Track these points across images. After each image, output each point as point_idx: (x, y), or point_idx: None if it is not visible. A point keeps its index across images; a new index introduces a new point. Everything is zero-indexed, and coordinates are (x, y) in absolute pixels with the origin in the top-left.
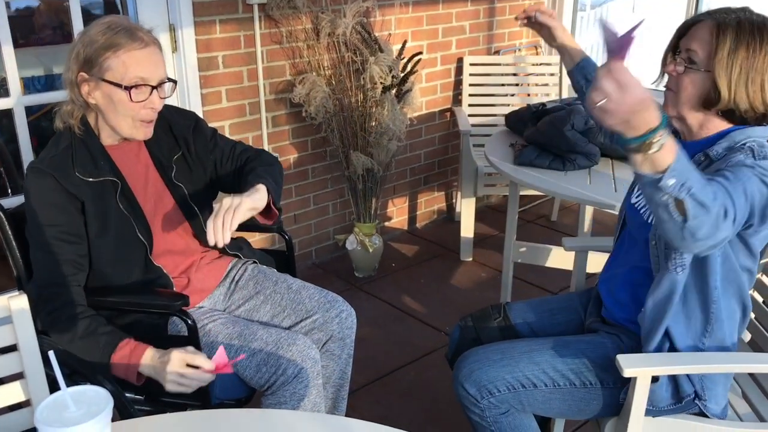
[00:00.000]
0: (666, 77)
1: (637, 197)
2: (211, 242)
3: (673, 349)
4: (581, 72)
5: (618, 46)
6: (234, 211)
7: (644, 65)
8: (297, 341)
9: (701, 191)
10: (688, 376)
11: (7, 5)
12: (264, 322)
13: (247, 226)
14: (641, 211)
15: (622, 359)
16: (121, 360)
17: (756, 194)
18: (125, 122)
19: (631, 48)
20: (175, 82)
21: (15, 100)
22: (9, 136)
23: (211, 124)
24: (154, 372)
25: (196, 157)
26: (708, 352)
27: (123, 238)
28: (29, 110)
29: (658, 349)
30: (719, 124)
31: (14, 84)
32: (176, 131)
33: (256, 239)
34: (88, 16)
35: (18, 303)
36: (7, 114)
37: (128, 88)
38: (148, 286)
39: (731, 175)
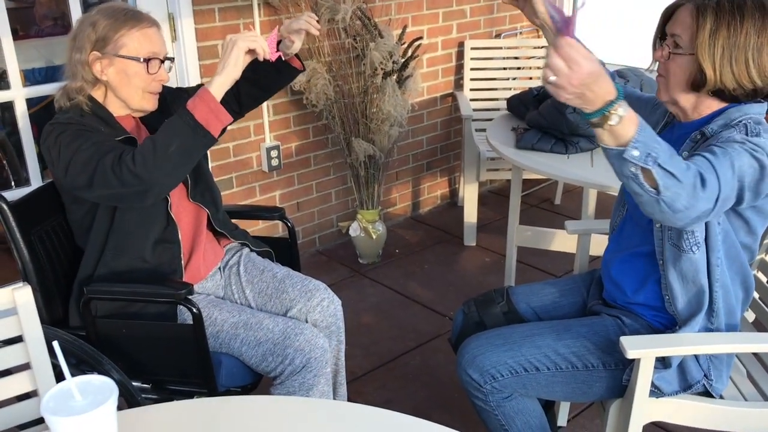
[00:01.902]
0: (657, 64)
1: None
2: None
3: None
4: None
5: (564, 24)
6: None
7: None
8: (305, 330)
9: (669, 161)
10: (697, 361)
11: None
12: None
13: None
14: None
15: (626, 341)
16: (200, 108)
17: (746, 169)
18: (137, 94)
19: (575, 25)
20: (173, 59)
21: (16, 93)
22: (10, 128)
23: None
24: (223, 67)
25: None
26: (714, 332)
27: None
28: (30, 102)
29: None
30: (712, 104)
31: (15, 76)
32: (172, 109)
33: (259, 227)
34: (88, 8)
35: (23, 294)
36: (8, 106)
37: (146, 61)
38: (162, 248)
39: (719, 150)
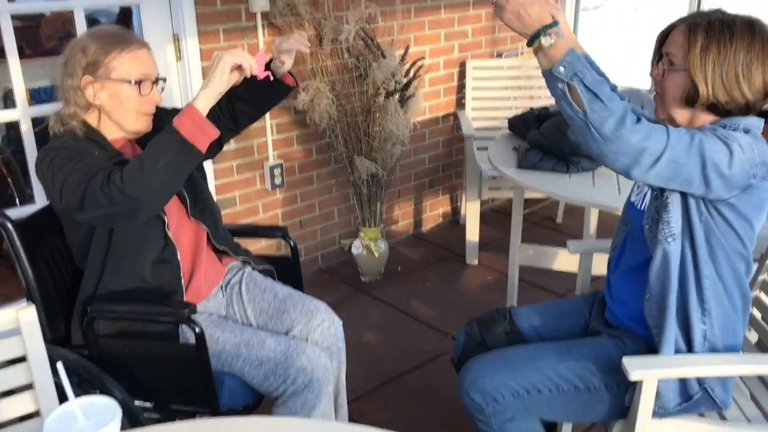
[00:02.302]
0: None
1: (636, 195)
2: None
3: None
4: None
5: None
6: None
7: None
8: (306, 350)
9: (594, 83)
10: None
11: (14, 17)
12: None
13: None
14: (640, 207)
15: (628, 362)
16: (185, 123)
17: (710, 147)
18: (130, 116)
19: None
20: (164, 80)
21: (21, 112)
22: (15, 146)
23: None
24: (209, 81)
25: None
26: (720, 354)
27: None
28: (36, 121)
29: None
30: (707, 118)
31: (20, 95)
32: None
33: (261, 245)
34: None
35: (27, 314)
36: (14, 125)
37: (137, 83)
38: (161, 269)
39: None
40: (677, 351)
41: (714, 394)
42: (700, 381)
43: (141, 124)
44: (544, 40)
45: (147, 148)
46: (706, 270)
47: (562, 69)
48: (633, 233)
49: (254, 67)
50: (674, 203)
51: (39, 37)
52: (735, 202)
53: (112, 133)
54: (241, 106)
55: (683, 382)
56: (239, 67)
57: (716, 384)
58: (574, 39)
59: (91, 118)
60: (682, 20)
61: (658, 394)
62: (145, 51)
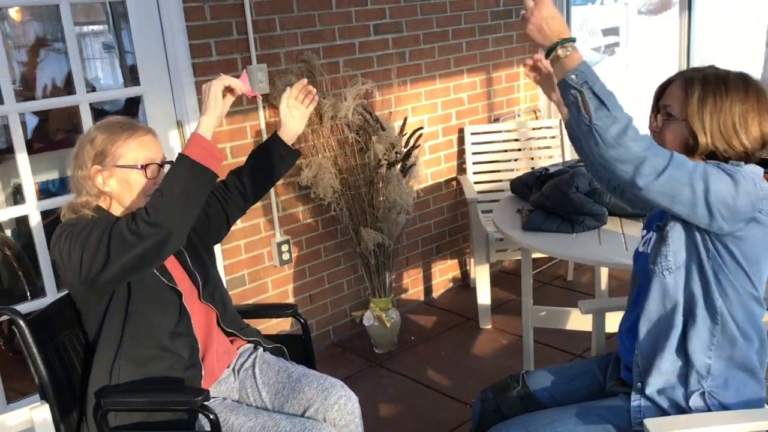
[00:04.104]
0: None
1: (643, 245)
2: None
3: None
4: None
5: None
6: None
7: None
8: (322, 431)
9: (602, 92)
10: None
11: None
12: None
13: (260, 311)
14: (646, 251)
15: (650, 424)
16: (194, 149)
17: (713, 175)
18: (139, 200)
19: None
20: (171, 163)
21: (30, 207)
22: (26, 239)
23: None
24: (206, 108)
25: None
26: (747, 411)
27: (158, 282)
28: (45, 214)
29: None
30: None
31: (29, 190)
32: None
33: (272, 323)
34: (101, 116)
35: (40, 414)
36: (24, 219)
37: (144, 167)
38: (180, 339)
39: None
40: (667, 387)
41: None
42: None
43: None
44: (561, 51)
45: (163, 181)
46: (718, 307)
47: (574, 77)
48: (643, 286)
49: (243, 87)
50: (674, 237)
51: (47, 131)
52: (742, 236)
53: (124, 215)
54: (251, 179)
55: None
56: (231, 90)
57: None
58: (584, 57)
59: (104, 203)
60: (678, 75)
61: None
62: (150, 137)
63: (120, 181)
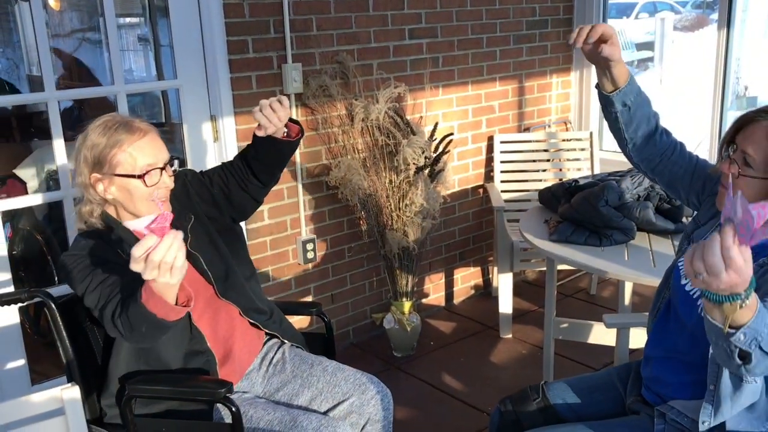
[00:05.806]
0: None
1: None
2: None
3: None
4: (621, 98)
5: (746, 231)
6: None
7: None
8: (337, 429)
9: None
10: None
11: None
12: (303, 407)
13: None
14: (697, 303)
15: None
16: (147, 299)
17: None
18: (144, 206)
19: (758, 239)
20: (178, 158)
21: (64, 192)
22: (57, 225)
23: None
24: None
25: (205, 217)
26: None
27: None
28: (77, 200)
29: None
30: None
31: (64, 177)
32: (192, 198)
33: (293, 320)
34: (133, 110)
35: (70, 394)
36: (56, 204)
37: (141, 176)
38: (195, 360)
39: None
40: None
41: None
42: None
43: (157, 209)
44: (728, 308)
45: (130, 314)
46: None
47: (741, 337)
48: (678, 317)
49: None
50: None
51: (81, 120)
52: None
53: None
54: (257, 165)
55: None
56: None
57: None
58: (754, 300)
59: (111, 210)
60: (764, 114)
61: None
62: (147, 139)
63: (120, 188)
